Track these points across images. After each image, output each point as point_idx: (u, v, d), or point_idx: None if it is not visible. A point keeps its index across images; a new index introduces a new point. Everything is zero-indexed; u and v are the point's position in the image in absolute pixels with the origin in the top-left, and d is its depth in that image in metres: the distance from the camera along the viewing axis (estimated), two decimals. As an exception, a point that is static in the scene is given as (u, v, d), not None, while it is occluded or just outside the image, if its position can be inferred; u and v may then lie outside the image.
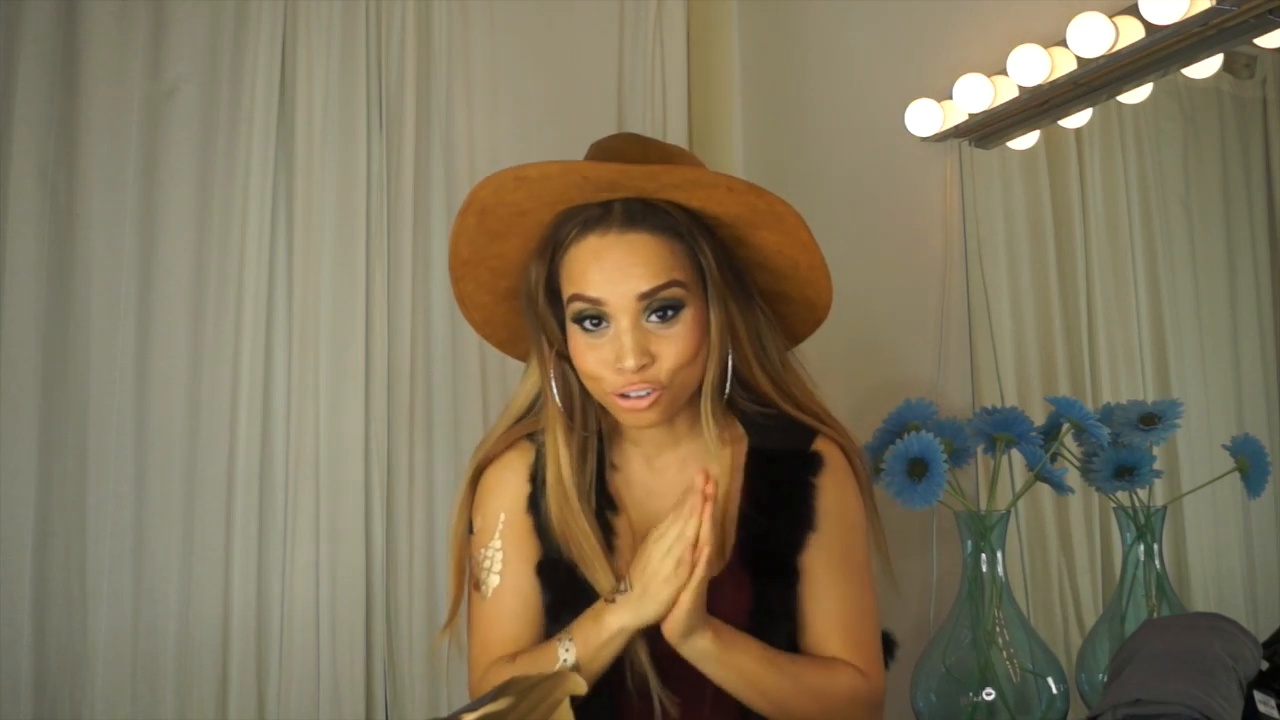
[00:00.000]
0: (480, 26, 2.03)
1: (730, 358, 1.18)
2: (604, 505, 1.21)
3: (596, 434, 1.23)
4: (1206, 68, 1.37)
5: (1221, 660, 1.02)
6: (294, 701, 1.77)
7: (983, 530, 1.37)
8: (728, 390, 1.19)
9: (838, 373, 1.91)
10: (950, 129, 1.66)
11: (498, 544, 1.22)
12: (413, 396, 1.91)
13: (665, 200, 1.14)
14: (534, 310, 1.18)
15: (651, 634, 1.14)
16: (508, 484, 1.24)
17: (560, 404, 1.19)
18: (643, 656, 1.15)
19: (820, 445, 1.25)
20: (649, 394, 1.12)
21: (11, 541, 1.66)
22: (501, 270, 1.22)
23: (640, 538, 1.17)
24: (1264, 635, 1.14)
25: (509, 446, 1.25)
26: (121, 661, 1.70)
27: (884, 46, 1.87)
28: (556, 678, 0.91)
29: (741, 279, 1.20)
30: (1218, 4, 1.26)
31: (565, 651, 1.14)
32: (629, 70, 2.16)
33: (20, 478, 1.67)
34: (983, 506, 1.41)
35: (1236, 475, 1.28)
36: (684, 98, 2.20)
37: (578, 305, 1.13)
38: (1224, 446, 1.29)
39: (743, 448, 1.25)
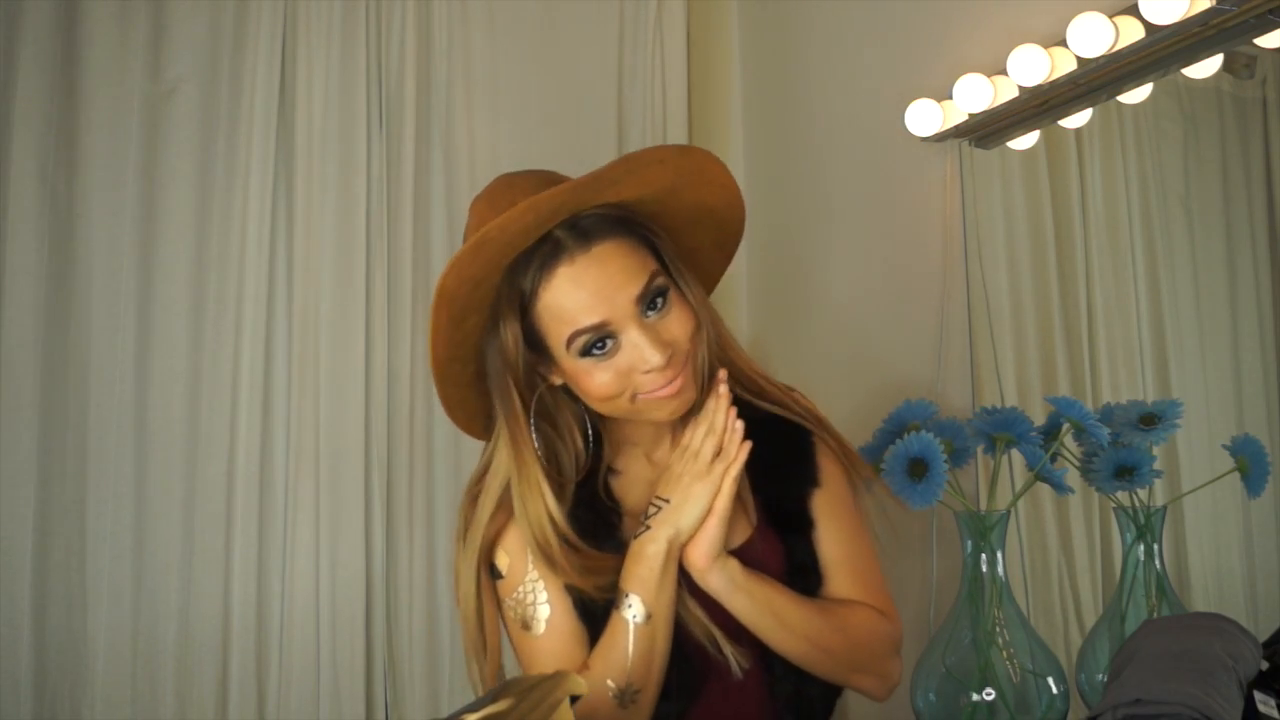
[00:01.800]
0: (480, 26, 2.03)
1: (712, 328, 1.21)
2: (610, 509, 1.21)
3: (594, 447, 1.22)
4: (1206, 68, 1.37)
5: (1221, 660, 1.02)
6: (294, 701, 1.78)
7: (983, 530, 1.37)
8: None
9: (838, 373, 1.92)
10: (950, 129, 1.66)
11: (534, 574, 1.18)
12: (413, 396, 1.91)
13: (598, 206, 1.12)
14: (511, 373, 1.15)
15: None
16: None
17: (542, 454, 1.17)
18: (702, 617, 1.16)
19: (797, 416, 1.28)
20: (674, 380, 1.12)
21: (11, 541, 1.66)
22: (467, 357, 1.17)
23: None
24: (1264, 635, 1.14)
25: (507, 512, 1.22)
26: (121, 661, 1.70)
27: (884, 46, 1.87)
28: (556, 678, 0.91)
29: (686, 265, 1.20)
30: (1218, 4, 1.26)
31: (629, 610, 1.13)
32: (629, 70, 2.16)
33: (20, 478, 1.67)
34: (983, 506, 1.41)
35: (1236, 475, 1.28)
36: (684, 98, 2.20)
37: (582, 339, 1.10)
38: (1224, 446, 1.29)
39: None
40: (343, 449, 1.85)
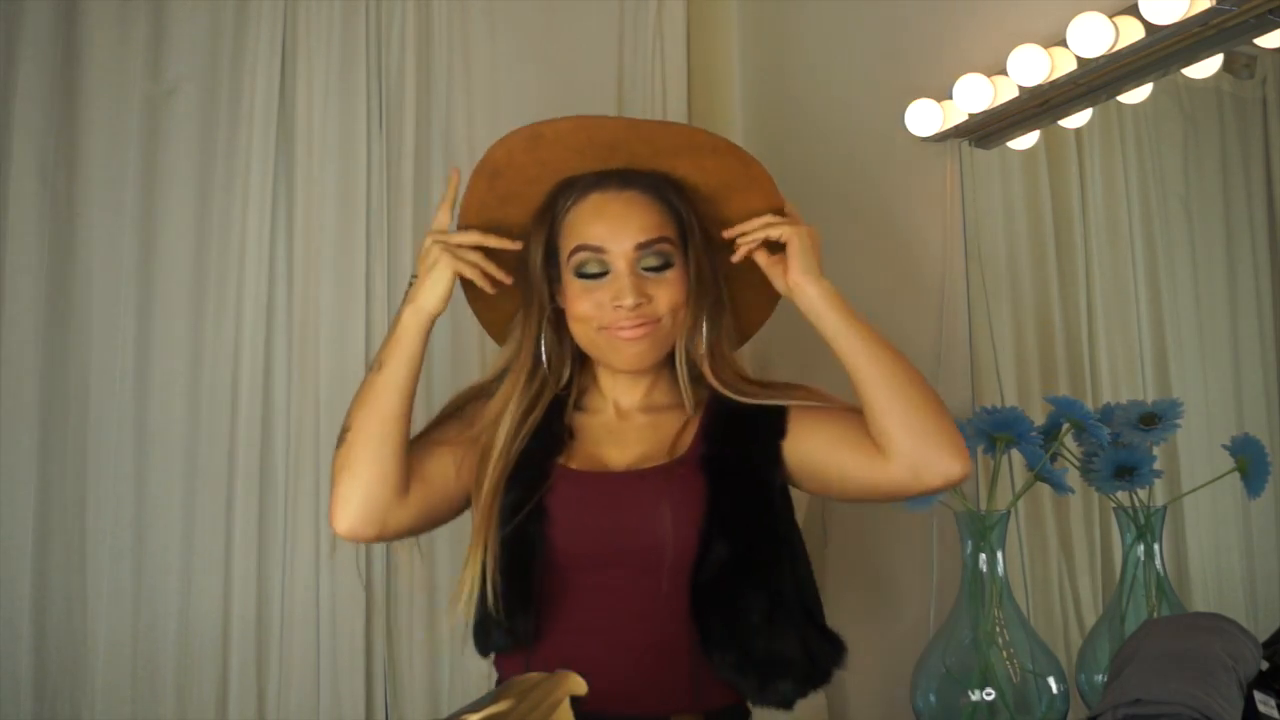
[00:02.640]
0: (480, 26, 2.03)
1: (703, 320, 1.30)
2: (559, 430, 1.30)
3: (565, 387, 1.34)
4: (1206, 68, 1.37)
5: (1221, 660, 1.02)
6: (294, 701, 1.77)
7: (983, 530, 1.37)
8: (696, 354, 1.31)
9: (838, 373, 1.91)
10: (950, 129, 1.66)
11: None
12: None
13: (653, 170, 1.27)
14: (529, 274, 1.29)
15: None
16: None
17: (545, 355, 1.31)
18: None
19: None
20: (644, 325, 1.25)
21: (11, 541, 1.66)
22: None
23: (587, 463, 1.29)
24: (1264, 635, 1.14)
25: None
26: (121, 661, 1.70)
27: (884, 46, 1.87)
28: (557, 678, 0.91)
29: (713, 258, 1.31)
30: (1218, 4, 1.26)
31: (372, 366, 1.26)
32: (629, 70, 2.16)
33: (20, 478, 1.67)
34: (983, 506, 1.41)
35: (1236, 475, 1.28)
36: (684, 98, 2.20)
37: (581, 256, 1.25)
38: (1224, 446, 1.29)
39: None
40: (343, 449, 1.84)
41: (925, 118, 1.68)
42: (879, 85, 1.86)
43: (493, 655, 1.30)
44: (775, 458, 1.28)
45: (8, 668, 1.64)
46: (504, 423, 1.27)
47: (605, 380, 1.36)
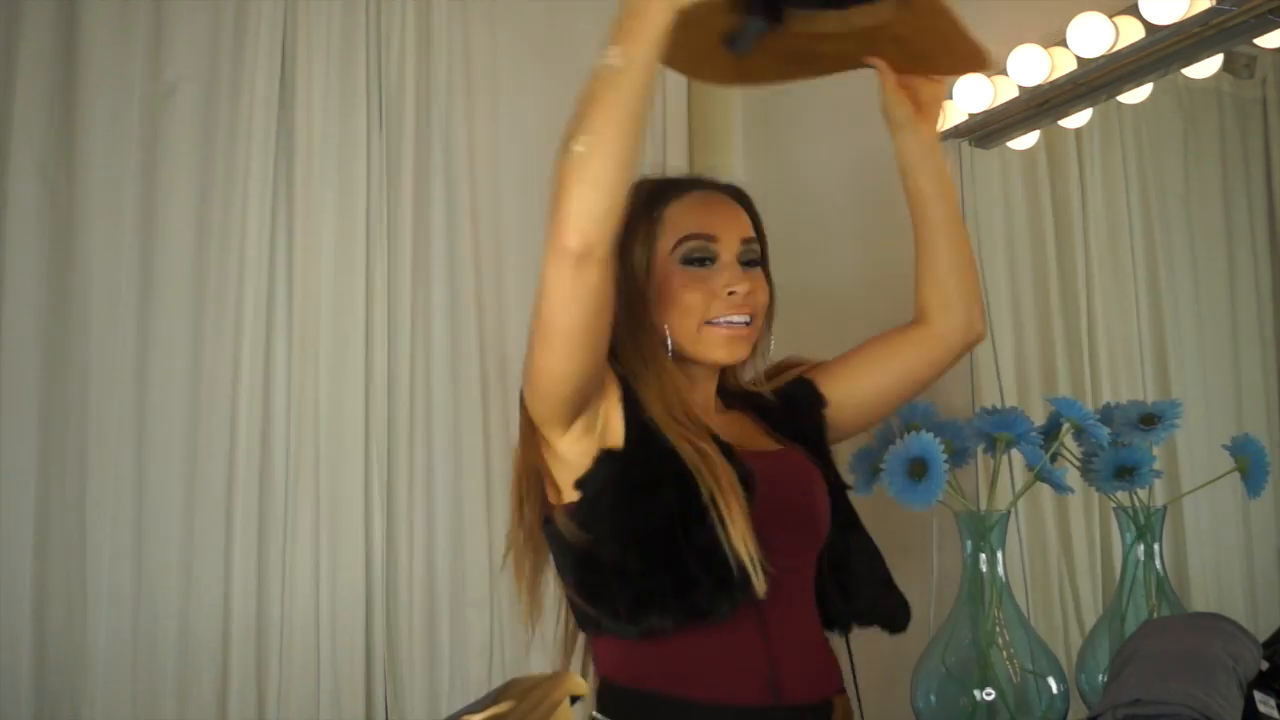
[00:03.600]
0: (480, 26, 2.03)
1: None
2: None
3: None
4: (1206, 68, 1.37)
5: (1221, 660, 1.02)
6: (294, 701, 1.77)
7: (983, 530, 1.37)
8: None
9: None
10: (950, 129, 1.66)
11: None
12: (412, 397, 1.91)
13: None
14: (631, 272, 1.24)
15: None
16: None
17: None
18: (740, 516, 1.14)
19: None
20: (749, 322, 1.26)
21: (11, 541, 1.66)
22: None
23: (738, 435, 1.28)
24: (1264, 635, 1.14)
25: None
26: (121, 661, 1.70)
27: (884, 46, 1.86)
28: (557, 678, 0.91)
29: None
30: (1218, 4, 1.26)
31: (608, 57, 1.12)
32: (629, 70, 2.15)
33: (20, 478, 1.67)
34: (983, 506, 1.41)
35: (1236, 475, 1.28)
36: (684, 98, 2.20)
37: (690, 244, 1.25)
38: (1224, 446, 1.29)
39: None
40: (343, 449, 1.84)
41: (925, 118, 1.67)
42: (879, 85, 1.86)
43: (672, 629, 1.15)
44: (823, 403, 1.37)
45: (8, 668, 1.64)
46: (670, 396, 1.22)
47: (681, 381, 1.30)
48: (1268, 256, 1.36)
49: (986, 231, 1.66)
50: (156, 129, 1.80)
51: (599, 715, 1.17)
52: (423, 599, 1.88)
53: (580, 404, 1.16)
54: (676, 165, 2.14)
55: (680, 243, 1.26)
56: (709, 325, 1.25)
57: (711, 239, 1.26)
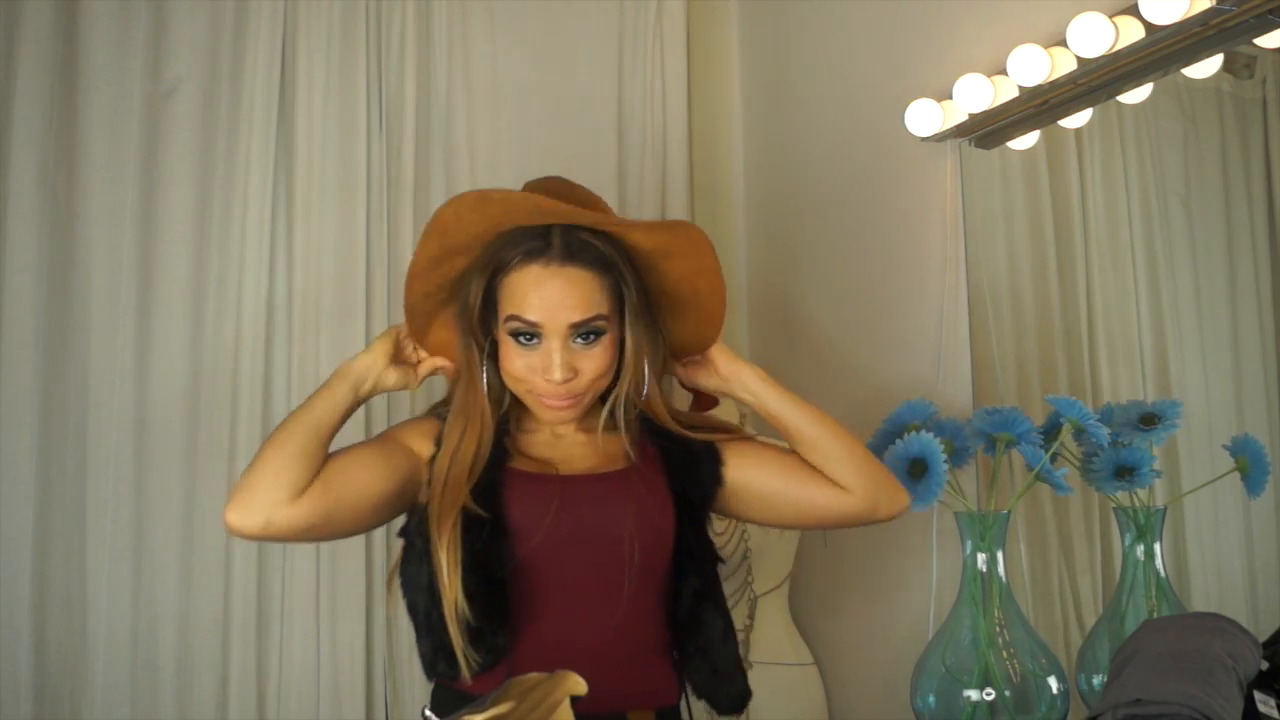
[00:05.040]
0: (480, 26, 2.03)
1: (645, 375, 1.33)
2: (500, 453, 1.32)
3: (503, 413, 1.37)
4: (1206, 68, 1.37)
5: (1221, 660, 1.02)
6: (294, 701, 1.77)
7: (983, 530, 1.37)
8: (639, 400, 1.35)
9: (837, 372, 1.92)
10: (950, 129, 1.66)
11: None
12: (412, 396, 1.91)
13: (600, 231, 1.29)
14: (469, 321, 1.31)
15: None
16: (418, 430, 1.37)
17: (486, 389, 1.33)
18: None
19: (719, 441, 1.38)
20: (568, 400, 1.29)
21: (11, 541, 1.66)
22: (439, 293, 1.34)
23: (537, 469, 1.33)
24: (1264, 635, 1.14)
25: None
26: (121, 661, 1.70)
27: (884, 46, 1.87)
28: (557, 678, 0.91)
29: (650, 308, 1.34)
30: (1218, 4, 1.26)
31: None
32: (629, 71, 2.16)
33: (20, 478, 1.67)
34: (983, 506, 1.41)
35: (1236, 475, 1.28)
36: (684, 98, 2.20)
37: (515, 324, 1.27)
38: (1224, 446, 1.29)
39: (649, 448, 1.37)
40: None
41: (925, 118, 1.68)
42: (879, 85, 1.86)
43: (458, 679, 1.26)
44: (719, 483, 1.35)
45: (8, 668, 1.64)
46: (460, 455, 1.29)
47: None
48: (1268, 256, 1.36)
49: (986, 231, 1.66)
50: (156, 129, 1.80)
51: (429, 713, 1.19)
52: (423, 599, 1.87)
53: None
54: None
55: (509, 319, 1.28)
56: (531, 393, 1.30)
57: (535, 326, 1.27)
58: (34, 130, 1.72)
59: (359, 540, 1.84)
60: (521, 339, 1.28)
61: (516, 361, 1.29)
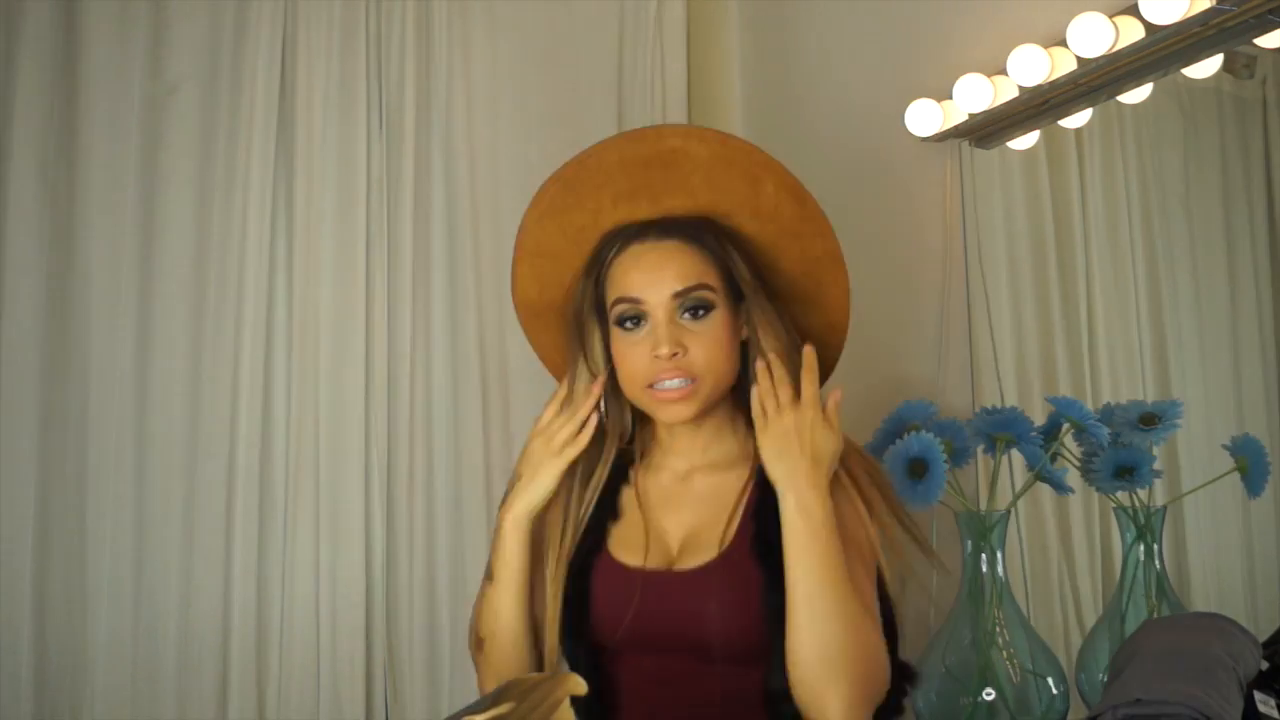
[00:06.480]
0: (480, 26, 2.03)
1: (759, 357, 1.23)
2: (606, 513, 1.27)
3: (620, 451, 1.30)
4: (1206, 68, 1.37)
5: (1221, 660, 1.02)
6: (294, 701, 1.77)
7: (983, 530, 1.37)
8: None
9: (838, 372, 1.91)
10: (950, 129, 1.66)
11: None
12: (412, 397, 1.91)
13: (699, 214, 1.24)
14: (580, 330, 1.27)
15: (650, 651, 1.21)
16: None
17: (603, 413, 1.28)
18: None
19: None
20: (682, 385, 1.20)
21: (11, 541, 1.65)
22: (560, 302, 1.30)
23: (651, 535, 1.24)
24: (1264, 635, 1.14)
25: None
26: (121, 661, 1.70)
27: (884, 46, 1.87)
28: (557, 679, 0.91)
29: (774, 299, 1.26)
30: (1218, 4, 1.26)
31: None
32: (629, 70, 2.16)
33: (20, 478, 1.67)
34: (983, 506, 1.41)
35: (1236, 475, 1.28)
36: (684, 98, 2.20)
37: (620, 307, 1.22)
38: (1224, 446, 1.29)
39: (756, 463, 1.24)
40: (343, 449, 1.84)
41: (925, 118, 1.68)
42: (879, 85, 1.86)
43: None
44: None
45: (8, 668, 1.64)
46: (568, 517, 1.26)
47: (663, 434, 1.31)
48: (1267, 256, 1.36)
49: (987, 231, 1.66)
50: (156, 129, 1.80)
51: None
52: (423, 599, 1.88)
53: None
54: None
55: (613, 306, 1.23)
56: (648, 390, 1.22)
57: (636, 301, 1.21)
58: (34, 130, 1.71)
59: (359, 540, 1.84)
60: (628, 324, 1.22)
61: (627, 353, 1.22)
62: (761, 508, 1.20)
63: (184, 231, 1.80)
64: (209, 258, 1.81)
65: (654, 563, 1.23)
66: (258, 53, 1.85)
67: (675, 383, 1.20)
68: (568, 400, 1.27)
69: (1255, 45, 1.31)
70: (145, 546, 1.74)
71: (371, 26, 1.94)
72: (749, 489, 1.23)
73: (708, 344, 1.20)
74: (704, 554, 1.21)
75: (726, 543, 1.21)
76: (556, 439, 1.26)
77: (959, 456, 1.42)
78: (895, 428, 1.43)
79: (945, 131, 1.67)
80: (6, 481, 1.66)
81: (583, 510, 1.26)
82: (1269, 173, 1.35)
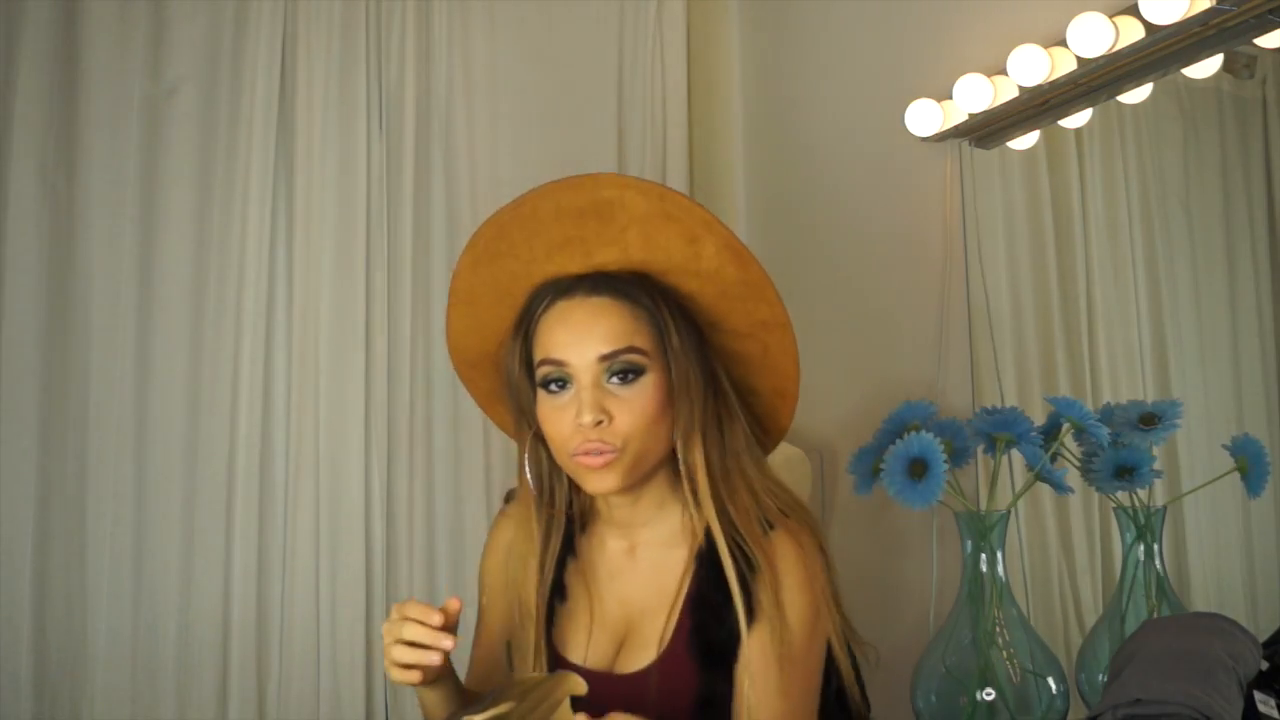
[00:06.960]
0: (480, 26, 2.03)
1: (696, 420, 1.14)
2: (554, 595, 1.20)
3: (566, 518, 1.22)
4: (1206, 68, 1.37)
5: (1221, 660, 1.02)
6: (294, 701, 1.77)
7: (983, 530, 1.37)
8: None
9: (838, 373, 1.92)
10: (950, 129, 1.66)
11: (484, 600, 1.28)
12: (412, 397, 1.91)
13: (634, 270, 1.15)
14: (513, 388, 1.18)
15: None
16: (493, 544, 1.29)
17: (532, 480, 1.19)
18: None
19: (774, 538, 1.15)
20: (604, 454, 1.10)
21: (11, 541, 1.66)
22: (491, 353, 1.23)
23: (595, 622, 1.18)
24: (1264, 635, 1.14)
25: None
26: (121, 661, 1.70)
27: (884, 46, 1.87)
28: (557, 678, 0.92)
29: (709, 365, 1.17)
30: (1218, 4, 1.26)
31: None
32: (629, 70, 2.16)
33: (20, 478, 1.67)
34: (983, 506, 1.41)
35: (1236, 475, 1.28)
36: (684, 98, 2.20)
37: (544, 369, 1.12)
38: (1224, 446, 1.29)
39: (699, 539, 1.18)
40: (343, 449, 1.84)
41: (925, 118, 1.68)
42: (879, 85, 1.86)
43: None
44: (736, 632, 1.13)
45: (8, 668, 1.64)
46: (529, 582, 1.20)
47: (601, 505, 1.22)
48: (1267, 256, 1.36)
49: (987, 231, 1.66)
50: (156, 129, 1.80)
51: None
52: (422, 599, 1.87)
53: None
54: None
55: (539, 365, 1.13)
56: (574, 457, 1.11)
57: (561, 364, 1.11)
58: (34, 130, 1.72)
59: (359, 540, 1.84)
60: (553, 386, 1.12)
61: (552, 421, 1.12)
62: (699, 602, 1.14)
63: (184, 231, 1.80)
64: (209, 258, 1.81)
65: (594, 660, 1.17)
66: (258, 53, 1.85)
67: (597, 453, 1.10)
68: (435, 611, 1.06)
69: (1255, 45, 1.31)
70: (145, 546, 1.74)
71: (371, 26, 1.94)
72: (688, 577, 1.16)
73: (634, 412, 1.10)
74: (643, 653, 1.15)
75: (665, 642, 1.14)
76: (393, 652, 1.05)
77: (959, 456, 1.42)
78: (895, 428, 1.43)
79: (945, 131, 1.67)
80: (6, 481, 1.66)
81: (543, 585, 1.19)
82: (1269, 173, 1.35)
